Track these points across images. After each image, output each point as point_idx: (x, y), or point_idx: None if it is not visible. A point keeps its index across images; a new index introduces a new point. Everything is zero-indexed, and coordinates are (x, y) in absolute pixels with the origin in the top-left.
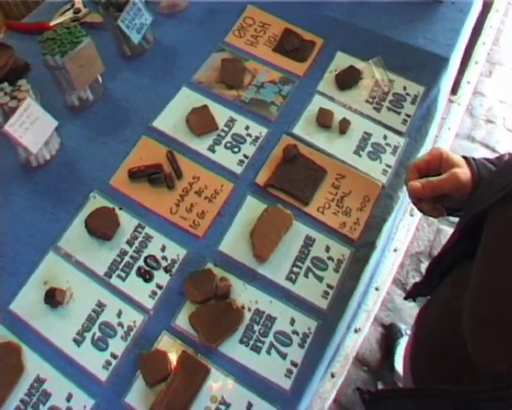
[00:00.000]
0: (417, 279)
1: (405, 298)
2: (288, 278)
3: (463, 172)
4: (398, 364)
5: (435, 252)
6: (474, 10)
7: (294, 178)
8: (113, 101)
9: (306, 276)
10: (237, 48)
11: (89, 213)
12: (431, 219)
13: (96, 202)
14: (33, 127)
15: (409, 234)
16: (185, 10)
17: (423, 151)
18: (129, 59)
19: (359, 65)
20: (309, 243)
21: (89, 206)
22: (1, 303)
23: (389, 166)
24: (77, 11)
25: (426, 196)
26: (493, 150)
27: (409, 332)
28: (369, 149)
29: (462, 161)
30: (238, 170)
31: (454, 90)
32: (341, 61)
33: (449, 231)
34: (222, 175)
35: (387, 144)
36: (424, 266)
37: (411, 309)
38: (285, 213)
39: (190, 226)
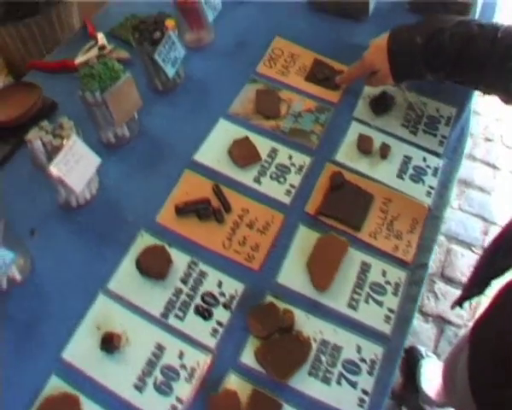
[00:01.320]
0: (432, 301)
1: (453, 306)
2: (350, 306)
3: (369, 54)
4: (425, 385)
5: (447, 272)
6: None
7: (343, 204)
8: (150, 136)
9: (367, 302)
10: (270, 78)
11: (137, 252)
12: (441, 239)
13: (144, 240)
14: (78, 166)
15: None
16: (211, 44)
17: (460, 171)
18: (161, 94)
19: (391, 90)
20: (365, 268)
21: (137, 245)
22: (53, 352)
23: (432, 188)
24: (102, 48)
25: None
26: (494, 167)
27: (429, 354)
28: (410, 172)
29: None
30: (286, 200)
31: None
32: (373, 87)
33: (459, 250)
34: (271, 206)
35: (428, 166)
36: (438, 286)
37: (428, 331)
38: (340, 241)
39: (245, 260)
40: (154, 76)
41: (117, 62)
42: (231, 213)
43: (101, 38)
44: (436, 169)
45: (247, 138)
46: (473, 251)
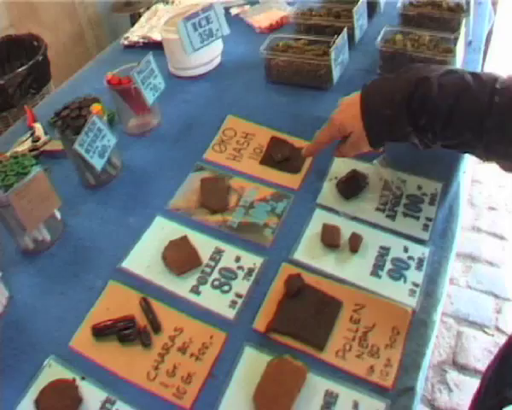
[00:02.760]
0: (445, 393)
1: None
2: None
3: (338, 113)
4: None
5: (459, 359)
6: None
7: (302, 316)
8: (74, 240)
9: None
10: (218, 164)
11: (41, 388)
12: (450, 322)
13: (51, 371)
14: None
15: None
16: (157, 128)
17: (453, 259)
18: (94, 189)
19: (363, 167)
20: (331, 400)
21: (42, 378)
22: None
23: (416, 285)
24: (36, 139)
25: (318, 152)
26: (501, 238)
27: None
28: (388, 266)
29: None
30: (230, 314)
31: None
32: (341, 165)
33: (470, 333)
34: (210, 323)
35: (410, 258)
36: (450, 376)
37: None
38: (296, 366)
39: (174, 395)
40: (84, 169)
41: (30, 157)
42: (161, 333)
43: (38, 128)
44: (421, 260)
45: (185, 239)
46: (486, 333)
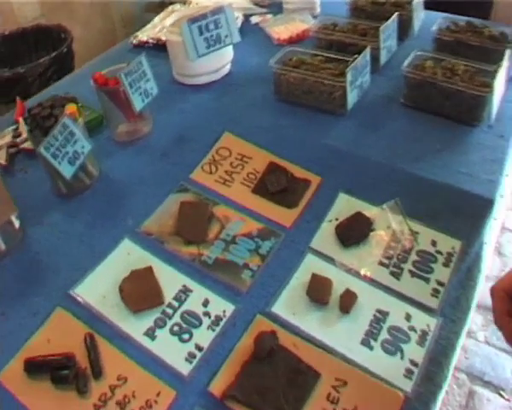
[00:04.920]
0: None
1: None
2: None
3: None
4: None
5: None
6: None
7: (269, 385)
8: (31, 253)
9: None
10: (205, 187)
11: None
12: (462, 377)
13: None
14: None
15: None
16: (146, 137)
17: (464, 335)
18: (64, 197)
19: (369, 211)
20: None
21: None
22: None
23: (415, 365)
24: (17, 135)
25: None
26: None
27: None
28: (384, 336)
29: None
30: (185, 369)
31: None
32: (345, 206)
33: (484, 393)
34: (160, 376)
35: (412, 328)
36: None
37: None
38: None
39: None
40: (55, 175)
41: None
42: (101, 380)
43: (22, 123)
44: (424, 333)
45: (149, 270)
46: (502, 396)
